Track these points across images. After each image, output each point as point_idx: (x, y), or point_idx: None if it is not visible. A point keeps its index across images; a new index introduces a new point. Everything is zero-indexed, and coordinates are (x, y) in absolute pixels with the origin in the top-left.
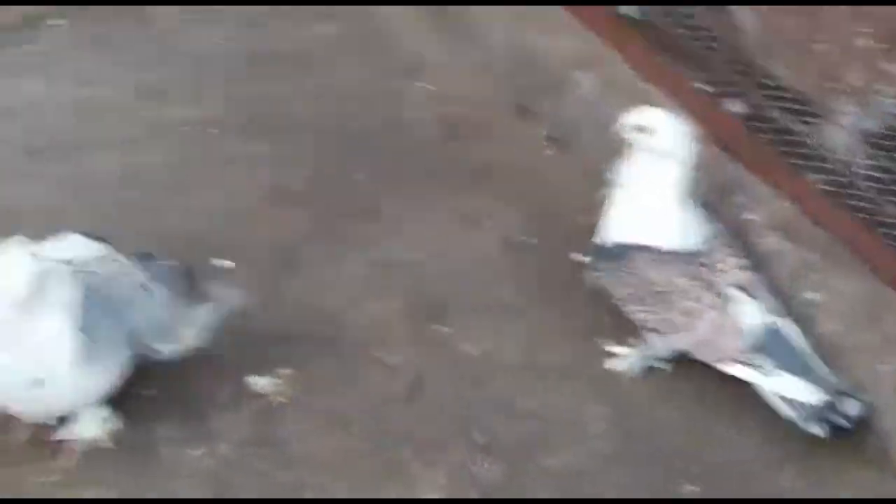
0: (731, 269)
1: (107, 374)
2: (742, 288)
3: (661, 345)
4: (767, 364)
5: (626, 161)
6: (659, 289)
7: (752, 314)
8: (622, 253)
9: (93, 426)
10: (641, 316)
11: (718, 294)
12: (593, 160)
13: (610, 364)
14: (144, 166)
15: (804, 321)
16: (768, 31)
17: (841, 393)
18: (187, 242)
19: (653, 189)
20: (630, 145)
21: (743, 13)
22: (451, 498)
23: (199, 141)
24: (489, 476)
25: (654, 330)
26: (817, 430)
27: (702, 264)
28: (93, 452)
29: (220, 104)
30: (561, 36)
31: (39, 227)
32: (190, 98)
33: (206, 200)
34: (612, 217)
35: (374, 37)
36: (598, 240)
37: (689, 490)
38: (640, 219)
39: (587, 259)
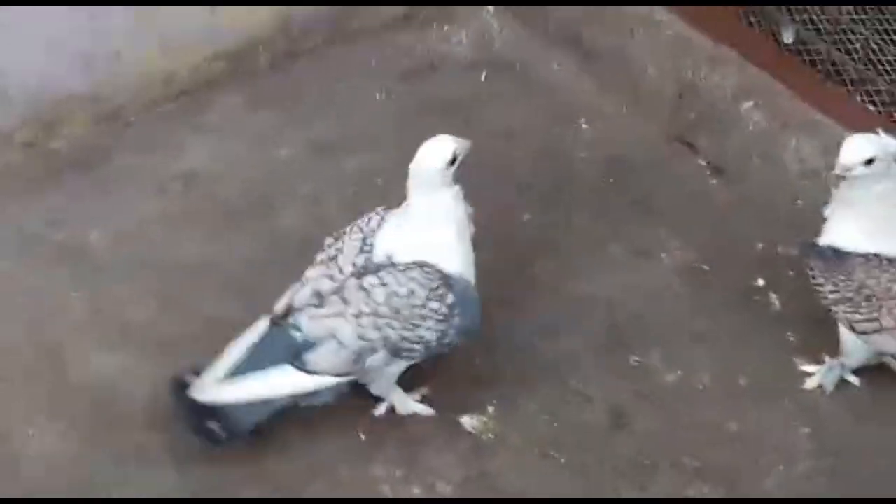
0: None
1: None
2: None
3: (860, 353)
4: None
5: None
6: (871, 293)
7: None
8: (838, 256)
9: None
10: (850, 317)
11: None
12: (758, 187)
13: (808, 383)
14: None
15: None
16: None
17: None
18: None
19: (877, 200)
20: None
21: None
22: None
23: (373, 190)
24: (707, 498)
25: (864, 332)
26: None
27: None
28: None
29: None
30: (719, 68)
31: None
32: (364, 149)
33: None
34: (835, 218)
35: (524, 79)
36: (818, 241)
37: None
38: (861, 224)
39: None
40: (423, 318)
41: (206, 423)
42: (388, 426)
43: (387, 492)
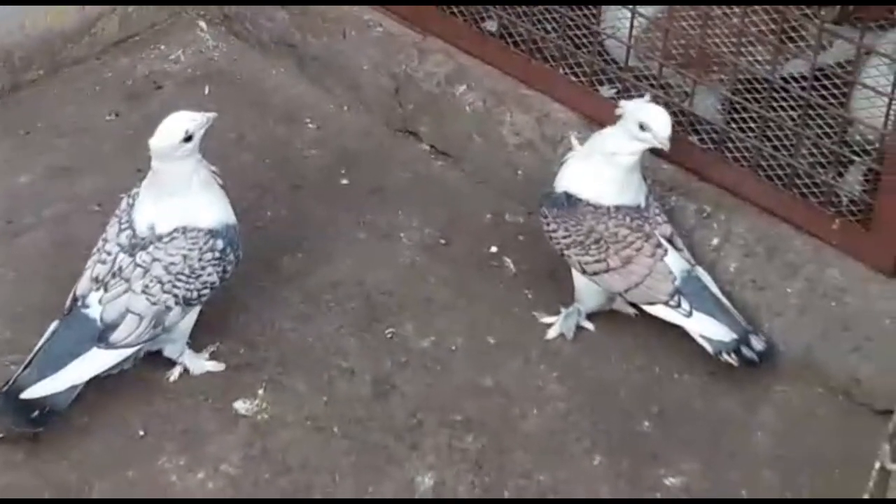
0: (662, 222)
1: None
2: (668, 239)
3: (593, 297)
4: (686, 305)
5: (605, 132)
6: (599, 236)
7: (676, 262)
8: (571, 203)
9: None
10: (581, 259)
11: (657, 245)
12: (481, 163)
13: (549, 333)
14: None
15: (713, 266)
16: None
17: (749, 331)
18: None
19: (611, 156)
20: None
21: None
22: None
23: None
24: (473, 448)
25: (594, 273)
26: (731, 361)
27: (642, 218)
28: None
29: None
30: (430, 58)
31: None
32: (100, 168)
33: None
34: (569, 169)
35: (246, 89)
36: (552, 188)
37: (647, 426)
38: (593, 177)
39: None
40: (203, 268)
41: (29, 415)
42: (164, 420)
43: (175, 481)
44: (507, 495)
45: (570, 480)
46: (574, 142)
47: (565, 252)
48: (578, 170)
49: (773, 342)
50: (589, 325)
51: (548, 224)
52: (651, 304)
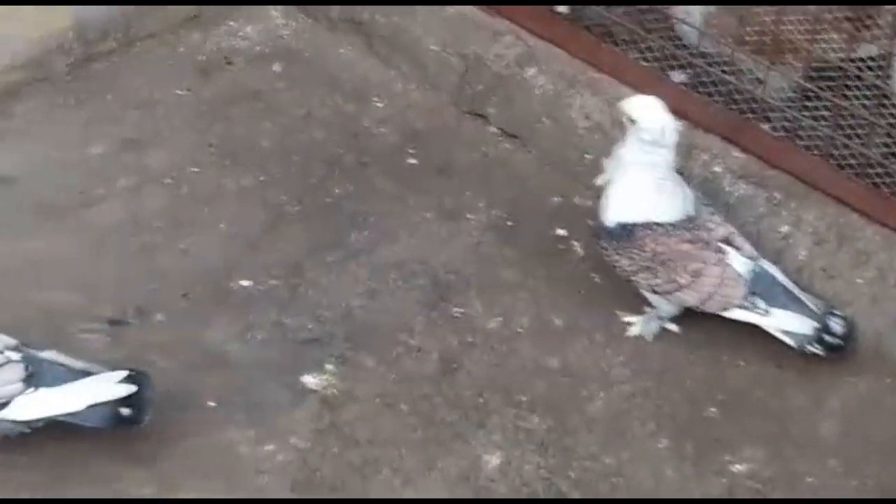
0: (716, 226)
1: None
2: (727, 241)
3: (671, 307)
4: (762, 304)
5: (621, 145)
6: (665, 258)
7: (740, 262)
8: (627, 231)
9: None
10: (651, 283)
11: (717, 250)
12: (550, 146)
13: (630, 331)
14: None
15: (781, 254)
16: None
17: (826, 315)
18: None
19: (645, 169)
20: (625, 130)
21: None
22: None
23: (189, 178)
24: (539, 428)
25: (666, 293)
26: (818, 350)
27: (697, 227)
28: None
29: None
30: (500, 40)
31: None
32: (173, 142)
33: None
34: (612, 199)
35: (314, 66)
36: (602, 221)
37: (712, 412)
38: (637, 199)
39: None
40: None
41: None
42: (234, 392)
43: (244, 452)
44: (572, 476)
45: (635, 462)
46: (606, 163)
47: (633, 278)
48: (621, 196)
49: (851, 320)
50: (674, 327)
51: (609, 256)
52: (726, 310)
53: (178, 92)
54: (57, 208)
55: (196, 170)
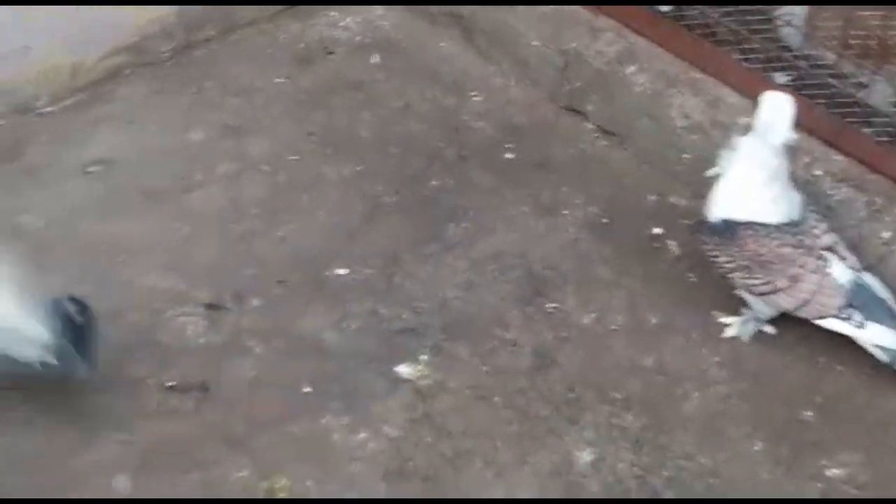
0: (822, 233)
1: None
2: (831, 249)
3: (767, 308)
4: (858, 317)
5: (733, 143)
6: (765, 259)
7: (842, 272)
8: (730, 229)
9: None
10: (748, 282)
11: (819, 257)
12: (647, 144)
13: (726, 332)
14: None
15: (884, 260)
16: None
17: None
18: None
19: (756, 167)
20: (741, 129)
21: None
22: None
23: (287, 166)
24: (633, 426)
25: (762, 294)
26: None
27: (801, 232)
28: None
29: (300, 132)
30: (600, 37)
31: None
32: (273, 129)
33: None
34: (719, 193)
35: (413, 58)
36: (706, 216)
37: (808, 415)
38: (744, 196)
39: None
40: None
41: None
42: (330, 379)
43: (337, 439)
44: (665, 475)
45: (730, 463)
46: (720, 155)
47: (730, 276)
48: (730, 192)
49: None
50: (770, 329)
51: (710, 251)
52: (822, 318)
53: (278, 80)
54: (158, 192)
55: (295, 158)
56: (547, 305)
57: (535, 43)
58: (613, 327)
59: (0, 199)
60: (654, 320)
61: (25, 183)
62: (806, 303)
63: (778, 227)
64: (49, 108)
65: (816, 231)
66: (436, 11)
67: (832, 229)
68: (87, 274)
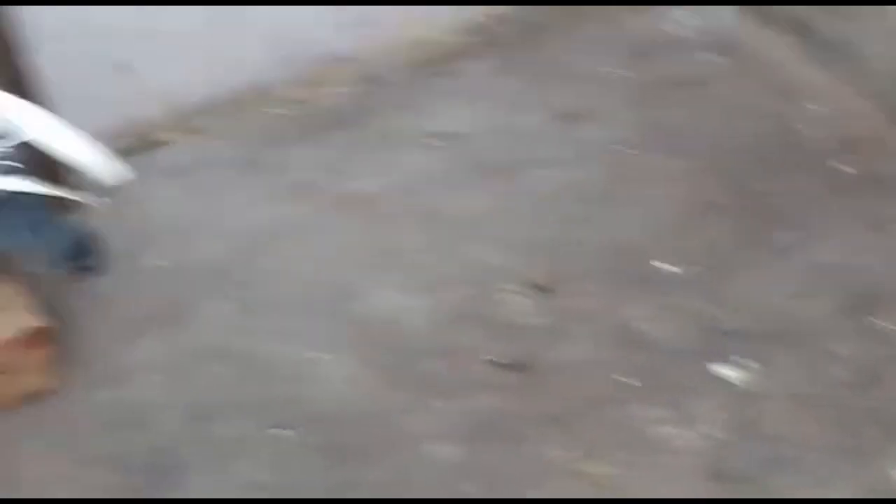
0: None
1: None
2: None
3: None
4: None
5: None
6: None
7: None
8: None
9: None
10: None
11: None
12: None
13: None
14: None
15: None
16: None
17: None
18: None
19: None
20: None
21: None
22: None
23: (615, 156)
24: None
25: None
26: None
27: None
28: None
29: (631, 124)
30: None
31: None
32: (604, 119)
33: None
34: None
35: (749, 62)
36: None
37: None
38: None
39: None
40: None
41: None
42: (646, 374)
43: (652, 431)
44: None
45: None
46: None
47: None
48: None
49: None
50: None
51: None
52: None
53: (618, 71)
54: (498, 169)
55: (630, 149)
56: (878, 323)
57: (878, 55)
58: None
59: (336, 163)
60: None
61: (363, 149)
62: None
63: None
64: (394, 79)
65: None
66: (779, 16)
67: None
68: (429, 242)
